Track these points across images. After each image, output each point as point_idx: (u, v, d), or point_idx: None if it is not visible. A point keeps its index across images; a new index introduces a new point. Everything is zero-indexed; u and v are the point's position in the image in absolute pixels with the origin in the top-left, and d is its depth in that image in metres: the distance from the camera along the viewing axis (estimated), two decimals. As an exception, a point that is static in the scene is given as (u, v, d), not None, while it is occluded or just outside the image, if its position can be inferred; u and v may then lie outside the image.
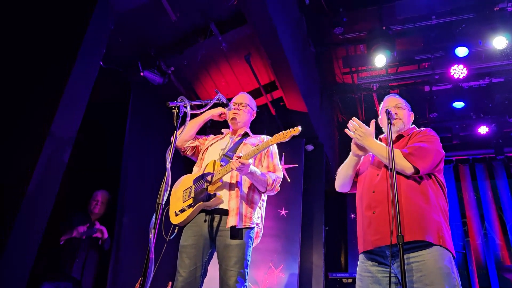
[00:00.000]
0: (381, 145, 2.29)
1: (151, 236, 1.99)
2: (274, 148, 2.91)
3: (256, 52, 5.18)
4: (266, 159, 2.85)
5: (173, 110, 2.26)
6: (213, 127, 3.75)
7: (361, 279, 2.25)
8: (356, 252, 2.40)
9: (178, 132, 2.23)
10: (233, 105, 2.97)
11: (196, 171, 2.85)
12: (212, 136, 3.10)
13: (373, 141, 2.32)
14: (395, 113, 2.50)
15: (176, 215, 2.69)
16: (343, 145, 7.44)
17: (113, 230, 4.31)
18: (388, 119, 2.31)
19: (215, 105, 2.67)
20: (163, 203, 2.06)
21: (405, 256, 2.05)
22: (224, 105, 2.83)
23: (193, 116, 2.41)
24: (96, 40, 3.18)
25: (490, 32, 5.05)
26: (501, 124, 6.83)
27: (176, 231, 2.64)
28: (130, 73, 4.85)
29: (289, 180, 5.37)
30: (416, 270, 2.03)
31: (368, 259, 2.25)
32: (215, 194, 2.57)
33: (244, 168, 2.48)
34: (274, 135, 2.59)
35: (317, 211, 5.67)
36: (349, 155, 2.50)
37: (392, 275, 2.15)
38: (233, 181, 2.67)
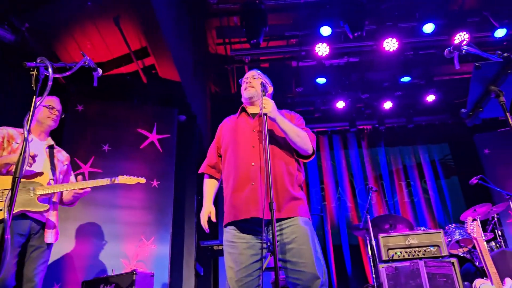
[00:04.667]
0: (289, 122, 2.43)
1: (6, 214, 1.79)
2: None
3: (126, 14, 4.84)
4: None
5: (31, 73, 2.00)
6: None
7: (232, 245, 2.33)
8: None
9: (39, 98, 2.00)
10: (49, 107, 3.10)
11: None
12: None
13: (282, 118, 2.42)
14: (249, 82, 2.66)
15: None
16: (216, 116, 7.52)
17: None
18: (262, 89, 2.43)
19: (81, 69, 2.43)
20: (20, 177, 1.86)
21: (282, 221, 2.29)
22: (92, 70, 2.60)
23: (55, 79, 2.17)
24: None
25: (347, 16, 5.51)
26: (355, 100, 7.61)
27: None
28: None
29: (161, 151, 5.26)
30: (290, 233, 2.26)
31: (242, 227, 2.34)
32: (37, 204, 2.79)
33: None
34: (122, 177, 3.12)
35: (190, 182, 5.67)
36: None
37: (264, 241, 2.32)
38: (55, 199, 3.05)
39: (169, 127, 5.45)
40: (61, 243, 4.38)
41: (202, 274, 5.57)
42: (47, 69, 2.03)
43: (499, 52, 1.92)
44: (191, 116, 5.94)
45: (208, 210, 2.58)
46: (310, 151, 2.47)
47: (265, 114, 2.29)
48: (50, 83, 2.05)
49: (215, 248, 5.38)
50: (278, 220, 2.27)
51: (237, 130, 2.56)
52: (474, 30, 5.90)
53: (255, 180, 2.33)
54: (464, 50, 2.10)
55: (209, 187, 2.71)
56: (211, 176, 2.73)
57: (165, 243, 4.89)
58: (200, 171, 2.77)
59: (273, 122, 2.38)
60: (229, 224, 2.40)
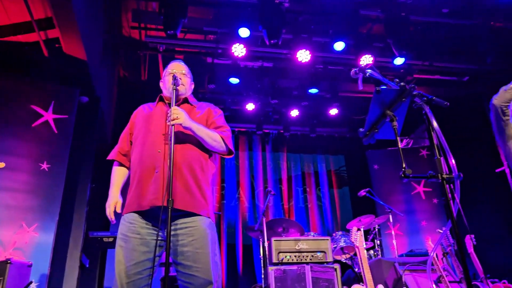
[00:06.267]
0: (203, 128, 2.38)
1: None
2: None
3: (31, -22, 4.41)
4: None
5: None
6: None
7: (126, 240, 2.23)
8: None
9: None
10: None
11: None
12: None
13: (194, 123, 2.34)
14: (180, 79, 2.56)
15: None
16: (122, 102, 7.17)
17: None
18: (174, 84, 2.36)
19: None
20: None
21: (180, 221, 2.22)
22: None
23: None
24: None
25: (266, 22, 5.62)
26: (264, 104, 7.77)
27: None
28: None
29: (56, 132, 4.86)
30: (187, 235, 2.20)
31: (140, 220, 2.25)
32: None
33: None
34: None
35: (85, 168, 5.32)
36: None
37: (161, 238, 2.25)
38: None
39: (68, 108, 5.06)
40: None
41: (87, 266, 5.27)
42: None
43: (397, 80, 2.08)
44: (95, 99, 5.57)
45: (115, 201, 2.43)
46: (226, 151, 2.47)
47: (172, 125, 2.24)
48: None
49: (105, 239, 5.13)
50: (177, 217, 2.21)
51: (151, 118, 2.48)
52: (378, 54, 6.38)
53: (159, 168, 2.26)
54: (368, 73, 2.25)
55: (118, 175, 2.55)
56: (121, 164, 2.58)
57: (49, 231, 4.53)
58: (109, 157, 2.60)
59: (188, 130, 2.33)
60: (126, 214, 2.29)
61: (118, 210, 2.40)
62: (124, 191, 2.47)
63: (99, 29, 5.59)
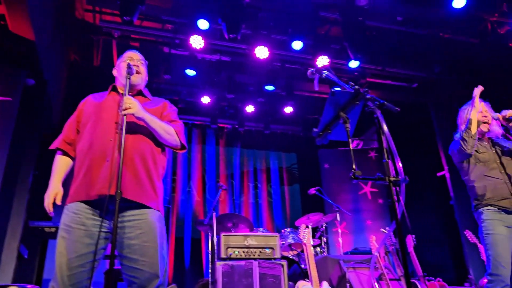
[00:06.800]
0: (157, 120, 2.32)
1: None
2: None
3: None
4: None
5: None
6: None
7: (69, 231, 2.13)
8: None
9: None
10: None
11: None
12: None
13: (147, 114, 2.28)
14: (137, 66, 2.50)
15: None
16: (71, 87, 6.86)
17: None
18: (128, 73, 2.29)
19: None
20: None
21: (129, 213, 2.17)
22: None
23: None
24: None
25: (226, 15, 5.57)
26: (220, 98, 7.73)
27: None
28: None
29: (-3, 115, 4.58)
30: (136, 227, 2.15)
31: (87, 211, 2.17)
32: None
33: None
34: None
35: (28, 154, 5.05)
36: None
37: (107, 230, 2.17)
38: None
39: (11, 90, 4.77)
40: None
41: (26, 257, 5.02)
42: None
43: (352, 83, 2.13)
44: (42, 82, 5.28)
45: (55, 192, 2.31)
46: (179, 146, 2.41)
47: (124, 115, 2.16)
48: None
49: (47, 229, 4.90)
50: (125, 209, 2.15)
51: (103, 106, 2.38)
52: (334, 56, 6.52)
53: (110, 156, 2.19)
54: (324, 74, 2.29)
55: (61, 165, 2.42)
56: (65, 153, 2.44)
57: (-15, 219, 4.27)
58: (52, 146, 2.46)
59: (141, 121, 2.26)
60: (71, 204, 2.19)
61: (58, 202, 2.29)
62: (66, 182, 2.35)
63: (50, 9, 5.30)
